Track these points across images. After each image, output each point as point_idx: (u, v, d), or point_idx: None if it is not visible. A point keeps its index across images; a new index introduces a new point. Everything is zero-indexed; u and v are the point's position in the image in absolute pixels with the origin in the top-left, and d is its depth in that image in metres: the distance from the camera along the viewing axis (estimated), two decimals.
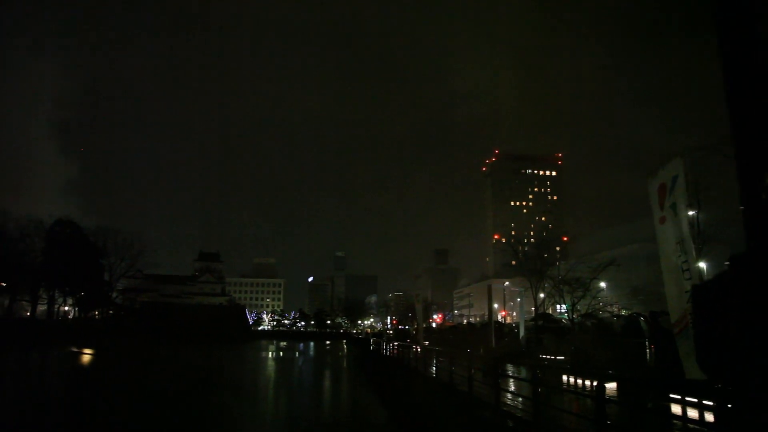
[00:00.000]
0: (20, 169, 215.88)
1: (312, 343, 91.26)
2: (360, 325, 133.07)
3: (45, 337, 57.94)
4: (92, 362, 44.96)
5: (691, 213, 16.35)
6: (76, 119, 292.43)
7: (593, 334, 21.38)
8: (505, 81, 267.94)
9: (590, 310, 29.91)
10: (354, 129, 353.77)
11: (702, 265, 18.99)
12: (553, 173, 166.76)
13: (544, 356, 24.66)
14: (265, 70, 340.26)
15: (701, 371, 8.92)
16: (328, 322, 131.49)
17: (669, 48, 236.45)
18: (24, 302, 74.47)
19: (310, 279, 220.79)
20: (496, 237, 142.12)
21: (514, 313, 74.99)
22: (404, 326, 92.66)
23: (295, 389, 30.82)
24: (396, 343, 40.12)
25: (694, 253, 9.93)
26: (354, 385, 32.81)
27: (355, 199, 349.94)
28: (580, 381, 14.69)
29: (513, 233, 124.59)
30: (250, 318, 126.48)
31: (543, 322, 31.90)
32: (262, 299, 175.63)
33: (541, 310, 38.09)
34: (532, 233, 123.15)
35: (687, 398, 8.51)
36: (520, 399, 10.94)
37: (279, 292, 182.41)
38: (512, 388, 13.29)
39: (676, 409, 8.76)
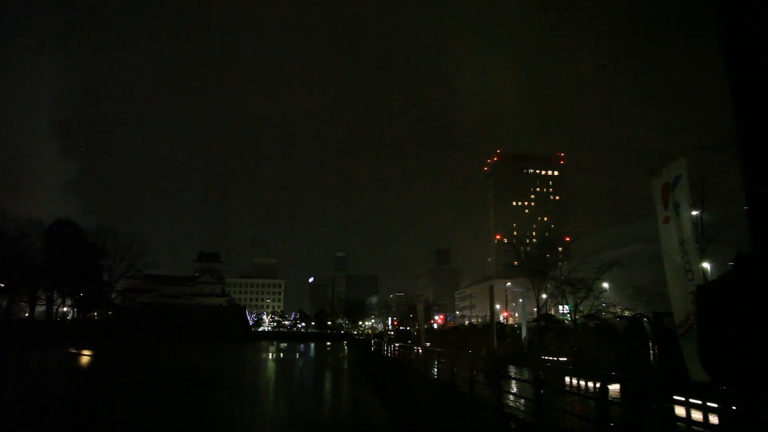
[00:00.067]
0: (20, 169, 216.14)
1: (312, 344, 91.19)
2: (361, 326, 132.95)
3: (44, 337, 57.93)
4: (91, 363, 44.93)
5: (694, 213, 16.24)
6: (76, 119, 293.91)
7: (596, 335, 21.25)
8: (505, 81, 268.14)
9: (593, 311, 29.79)
10: (354, 129, 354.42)
11: (706, 265, 18.88)
12: (556, 173, 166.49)
13: (546, 357, 24.54)
14: (265, 70, 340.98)
15: (705, 373, 8.83)
16: (329, 323, 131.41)
17: (669, 48, 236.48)
18: (23, 303, 74.47)
19: (311, 279, 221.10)
20: (497, 237, 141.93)
21: (516, 314, 74.88)
22: (405, 327, 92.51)
23: (296, 390, 30.76)
24: (397, 344, 40.01)
25: (697, 253, 9.85)
26: (355, 386, 32.73)
27: (356, 199, 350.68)
28: (582, 382, 14.59)
29: (515, 233, 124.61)
30: (250, 319, 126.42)
31: (545, 323, 31.75)
32: (262, 300, 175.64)
33: (543, 311, 37.96)
34: (534, 233, 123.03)
35: (691, 400, 8.41)
36: (522, 400, 10.84)
37: (279, 293, 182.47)
38: (514, 390, 13.21)
39: (679, 411, 8.66)
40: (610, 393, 7.49)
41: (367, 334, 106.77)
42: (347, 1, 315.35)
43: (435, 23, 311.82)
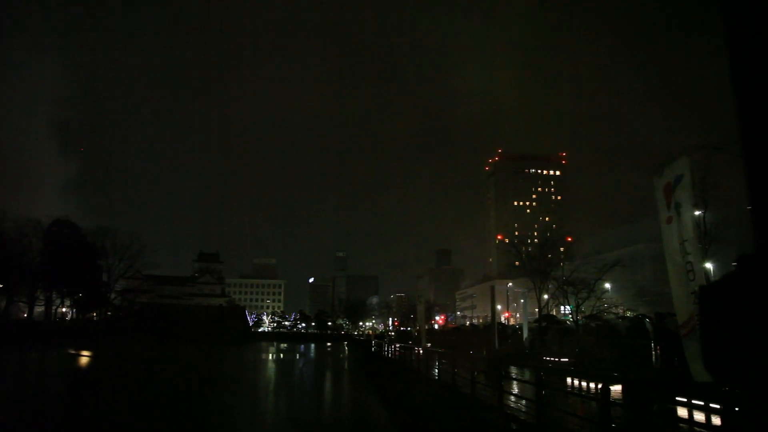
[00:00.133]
0: (19, 169, 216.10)
1: (313, 345, 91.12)
2: (361, 326, 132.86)
3: (43, 338, 57.85)
4: (90, 363, 44.89)
5: (697, 213, 16.17)
6: (76, 119, 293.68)
7: (598, 335, 21.19)
8: (505, 81, 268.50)
9: (595, 312, 29.69)
10: (354, 129, 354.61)
11: (708, 265, 18.81)
12: (557, 173, 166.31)
13: (547, 358, 24.49)
14: (265, 70, 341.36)
15: (708, 373, 8.77)
16: (329, 323, 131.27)
17: (669, 47, 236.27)
18: (21, 303, 74.26)
19: (311, 280, 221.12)
20: (499, 237, 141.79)
21: (518, 315, 74.82)
22: (406, 327, 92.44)
23: (296, 390, 30.72)
24: (398, 345, 39.97)
25: (699, 253, 9.79)
26: (355, 386, 32.68)
27: (356, 199, 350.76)
28: (584, 383, 14.53)
29: (516, 233, 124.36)
30: (250, 319, 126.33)
31: (547, 324, 31.69)
32: (263, 300, 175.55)
33: (544, 312, 37.87)
34: (535, 233, 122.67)
35: (693, 401, 8.36)
36: (524, 401, 10.79)
37: (279, 293, 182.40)
38: (516, 390, 13.15)
39: (682, 411, 8.60)
40: (612, 394, 7.43)
41: (368, 334, 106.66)
42: (347, 1, 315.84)
43: (435, 23, 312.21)
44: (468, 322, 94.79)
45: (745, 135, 6.54)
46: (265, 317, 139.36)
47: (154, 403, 22.66)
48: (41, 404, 22.09)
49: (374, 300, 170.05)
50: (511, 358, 25.86)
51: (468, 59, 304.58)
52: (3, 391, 25.26)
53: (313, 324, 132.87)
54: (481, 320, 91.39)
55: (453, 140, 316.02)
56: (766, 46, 6.22)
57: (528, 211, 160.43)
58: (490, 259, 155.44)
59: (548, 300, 38.37)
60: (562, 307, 39.88)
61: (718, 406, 7.54)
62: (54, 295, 76.80)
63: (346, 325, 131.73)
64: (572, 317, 31.21)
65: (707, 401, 7.81)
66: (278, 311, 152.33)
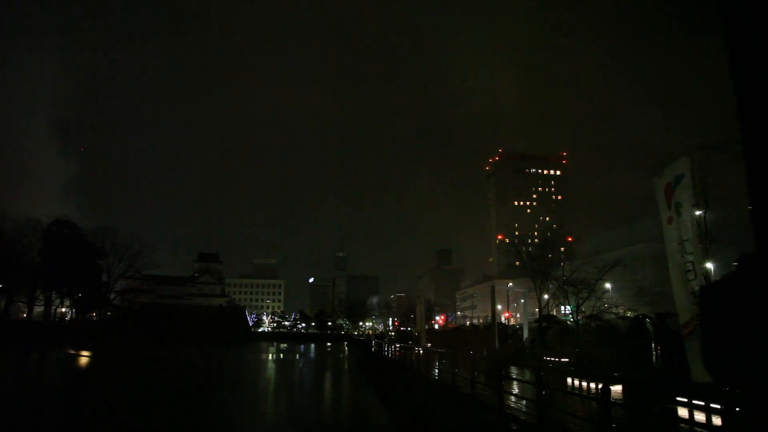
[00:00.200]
0: (19, 169, 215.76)
1: (313, 345, 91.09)
2: (361, 326, 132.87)
3: (42, 338, 57.73)
4: (90, 364, 44.89)
5: (697, 213, 16.18)
6: (76, 119, 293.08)
7: (598, 335, 21.18)
8: (506, 80, 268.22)
9: (595, 312, 29.69)
10: (354, 129, 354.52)
11: (709, 265, 18.80)
12: (557, 173, 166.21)
13: (548, 358, 24.48)
14: (265, 70, 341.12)
15: (708, 373, 8.76)
16: (329, 323, 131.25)
17: (670, 47, 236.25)
18: (21, 303, 74.12)
19: (311, 280, 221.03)
20: (499, 237, 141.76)
21: (518, 315, 74.76)
22: (406, 328, 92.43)
23: (296, 390, 30.71)
24: (398, 345, 39.98)
25: (699, 253, 9.78)
26: (355, 386, 32.67)
27: (356, 199, 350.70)
28: (584, 383, 14.52)
29: (516, 233, 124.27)
30: (250, 319, 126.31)
31: (547, 324, 31.69)
32: (263, 300, 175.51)
33: (545, 312, 37.87)
34: (535, 233, 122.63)
35: (694, 401, 8.35)
36: (524, 401, 10.79)
37: (279, 293, 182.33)
38: (516, 391, 13.14)
39: (682, 412, 8.60)
40: (613, 394, 7.42)
41: (368, 334, 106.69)
42: (347, 1, 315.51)
43: (435, 23, 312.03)
44: (468, 322, 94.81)
45: (746, 135, 6.54)
46: (265, 317, 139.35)
47: (154, 403, 22.66)
48: (41, 404, 22.08)
49: (374, 300, 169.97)
50: (511, 358, 25.83)
51: (468, 59, 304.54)
52: (3, 392, 25.26)
53: (313, 324, 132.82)
54: (481, 320, 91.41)
55: (453, 140, 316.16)
56: (766, 46, 6.22)
57: (528, 211, 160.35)
58: (491, 259, 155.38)
59: (548, 300, 38.36)
60: (562, 307, 39.88)
61: (718, 407, 7.52)
62: (54, 295, 76.71)
63: (346, 325, 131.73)
64: (573, 317, 31.20)
65: (707, 401, 7.79)
66: (278, 311, 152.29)
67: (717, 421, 7.33)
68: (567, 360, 21.93)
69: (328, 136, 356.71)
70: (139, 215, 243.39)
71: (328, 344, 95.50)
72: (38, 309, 76.01)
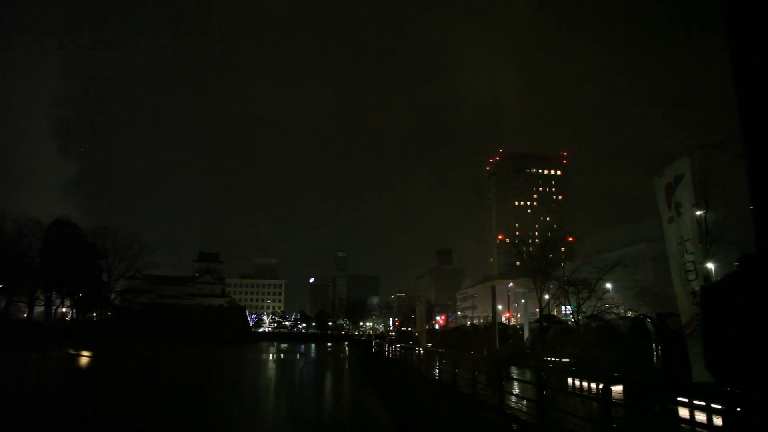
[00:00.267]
0: (19, 168, 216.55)
1: (313, 345, 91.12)
2: (362, 326, 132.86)
3: (42, 338, 57.85)
4: (90, 364, 44.91)
5: (698, 213, 16.17)
6: (76, 119, 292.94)
7: (599, 335, 21.16)
8: (506, 80, 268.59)
9: (596, 312, 29.69)
10: (354, 129, 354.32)
11: (710, 265, 18.78)
12: (558, 172, 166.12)
13: (548, 358, 24.45)
14: (265, 70, 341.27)
15: (709, 374, 8.74)
16: (330, 323, 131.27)
17: (670, 47, 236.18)
18: (21, 303, 74.21)
19: (311, 280, 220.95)
20: (500, 237, 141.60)
21: (519, 315, 74.77)
22: (407, 328, 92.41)
23: (296, 391, 30.73)
24: (398, 345, 39.95)
25: (700, 253, 9.76)
26: (355, 386, 32.67)
27: (357, 199, 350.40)
28: (585, 383, 14.51)
29: (517, 233, 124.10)
30: (251, 319, 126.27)
31: (548, 324, 31.67)
32: (263, 300, 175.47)
33: (545, 312, 37.85)
34: (536, 233, 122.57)
35: (695, 401, 8.35)
36: (525, 401, 10.78)
37: (280, 293, 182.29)
38: (516, 391, 13.13)
39: (683, 412, 8.59)
40: (613, 394, 7.42)
41: (369, 334, 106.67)
42: (347, 1, 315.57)
43: (435, 22, 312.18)
44: (469, 322, 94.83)
45: (747, 134, 6.53)
46: (265, 317, 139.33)
47: (154, 403, 22.66)
48: (41, 404, 22.09)
49: (375, 300, 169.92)
50: (511, 359, 25.83)
51: (468, 59, 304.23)
52: (3, 392, 25.27)
53: (314, 324, 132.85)
54: (481, 320, 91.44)
55: (453, 140, 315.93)
56: (767, 46, 6.21)
57: (529, 210, 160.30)
58: (491, 259, 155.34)
59: (549, 300, 38.33)
60: (563, 307, 39.88)
61: (719, 407, 7.51)
62: (54, 295, 76.78)
63: (347, 325, 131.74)
64: (573, 317, 31.22)
65: (708, 402, 7.79)
66: (278, 311, 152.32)
67: (718, 421, 7.32)
68: (568, 360, 21.90)
69: (328, 136, 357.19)
70: (139, 215, 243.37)
71: (329, 344, 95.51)
72: (38, 309, 76.08)
